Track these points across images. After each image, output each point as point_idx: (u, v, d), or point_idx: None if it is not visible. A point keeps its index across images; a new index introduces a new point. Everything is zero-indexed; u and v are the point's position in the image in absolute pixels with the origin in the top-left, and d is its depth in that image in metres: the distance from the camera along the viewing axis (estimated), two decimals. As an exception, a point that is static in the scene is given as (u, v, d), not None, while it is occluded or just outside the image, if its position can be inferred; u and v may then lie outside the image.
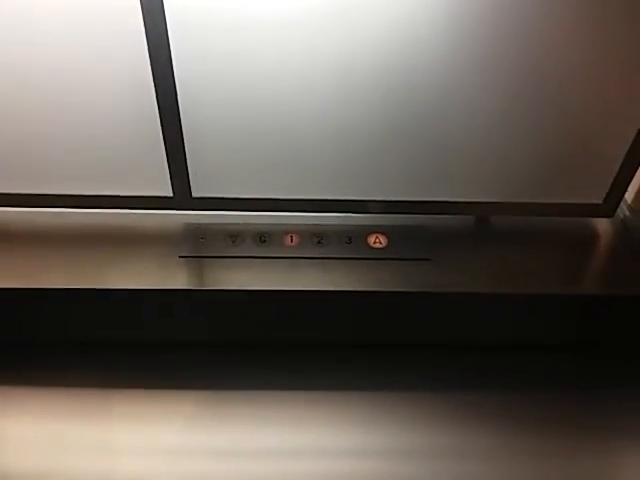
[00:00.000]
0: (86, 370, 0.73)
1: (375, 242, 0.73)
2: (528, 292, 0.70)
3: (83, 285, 0.68)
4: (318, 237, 0.73)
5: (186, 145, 0.65)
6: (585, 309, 0.73)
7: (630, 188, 0.71)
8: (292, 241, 0.73)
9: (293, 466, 0.65)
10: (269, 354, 0.74)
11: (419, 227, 0.74)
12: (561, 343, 0.76)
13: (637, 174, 0.69)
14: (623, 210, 0.77)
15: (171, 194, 0.70)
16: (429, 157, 0.67)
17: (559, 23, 0.57)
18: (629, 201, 0.77)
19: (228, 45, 0.58)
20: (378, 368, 0.74)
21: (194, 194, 0.70)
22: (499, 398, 0.72)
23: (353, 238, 0.73)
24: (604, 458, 0.68)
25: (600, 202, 0.71)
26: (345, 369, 0.74)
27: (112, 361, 0.74)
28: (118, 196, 0.70)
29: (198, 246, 0.72)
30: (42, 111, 0.63)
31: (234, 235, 0.73)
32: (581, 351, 0.76)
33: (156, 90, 0.61)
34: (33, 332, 0.75)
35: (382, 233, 0.73)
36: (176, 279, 0.68)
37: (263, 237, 0.73)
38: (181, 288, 0.68)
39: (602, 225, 0.77)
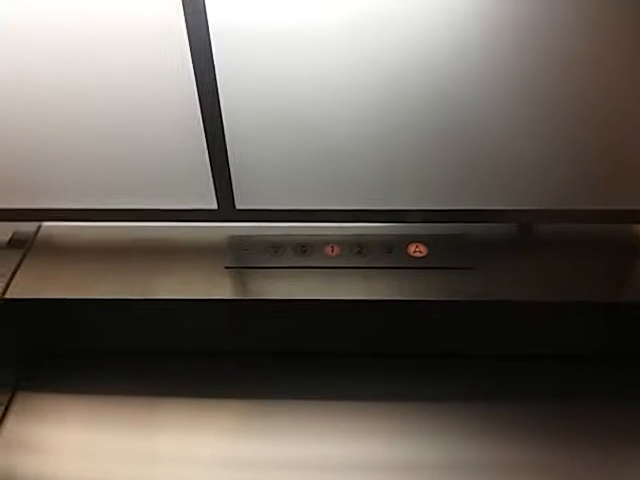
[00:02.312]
0: (132, 379, 0.75)
1: (415, 251, 0.73)
2: (573, 300, 0.69)
3: (131, 296, 0.70)
4: (358, 247, 0.74)
5: (230, 160, 0.68)
6: (632, 317, 0.72)
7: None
8: (333, 251, 0.74)
9: (334, 477, 0.66)
10: (312, 363, 0.75)
11: (459, 236, 0.74)
12: (607, 352, 0.75)
13: (683, 179, 0.68)
14: (669, 216, 0.75)
15: (216, 207, 0.72)
16: (469, 166, 0.67)
17: (597, 36, 0.57)
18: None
19: (269, 62, 0.60)
20: (424, 378, 0.74)
21: (238, 206, 0.72)
22: (545, 408, 0.71)
23: (393, 247, 0.73)
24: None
25: (644, 209, 0.70)
26: (388, 379, 0.74)
27: (158, 370, 0.76)
28: (165, 209, 0.72)
29: (242, 257, 0.73)
30: (91, 129, 0.66)
31: (276, 246, 0.74)
32: (629, 362, 0.75)
33: (201, 107, 0.63)
34: (81, 342, 0.77)
35: (422, 242, 0.74)
36: (223, 289, 0.70)
37: (304, 247, 0.74)
38: (227, 298, 0.69)
39: (647, 231, 0.75)
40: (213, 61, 0.60)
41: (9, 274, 0.72)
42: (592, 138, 0.65)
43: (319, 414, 0.71)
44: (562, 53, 0.58)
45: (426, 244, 0.73)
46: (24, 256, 0.74)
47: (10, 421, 0.71)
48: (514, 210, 0.71)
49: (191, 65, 0.60)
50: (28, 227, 0.77)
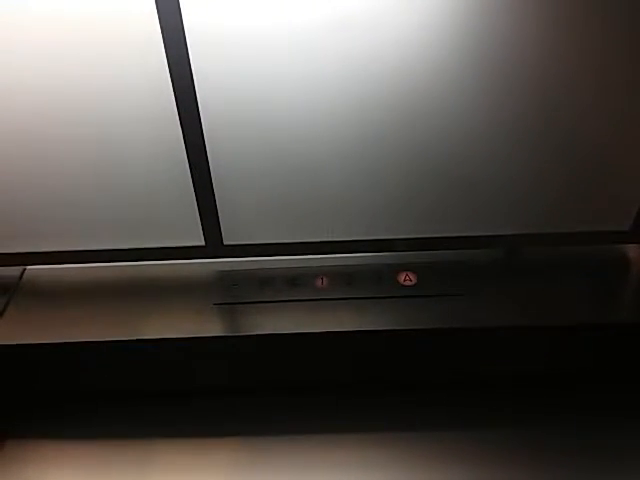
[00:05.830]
0: (124, 421, 0.74)
1: (405, 280, 0.73)
2: (564, 323, 0.69)
3: (121, 337, 0.69)
4: (348, 278, 0.74)
5: (216, 195, 0.67)
6: (625, 339, 0.72)
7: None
8: (323, 283, 0.73)
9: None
10: (307, 397, 0.75)
11: (448, 263, 0.75)
12: (601, 374, 0.75)
13: (665, 199, 0.69)
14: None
15: (203, 243, 0.71)
16: (456, 193, 0.68)
17: (576, 59, 0.58)
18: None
19: (254, 92, 0.60)
20: (414, 408, 0.74)
21: (225, 242, 0.71)
22: (540, 433, 0.71)
23: (383, 277, 0.73)
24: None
25: (628, 229, 0.71)
26: (382, 409, 0.74)
27: (151, 411, 0.75)
28: (152, 248, 0.71)
29: (231, 293, 0.73)
30: (74, 170, 0.65)
31: (266, 280, 0.74)
32: (622, 383, 0.75)
33: (185, 143, 0.63)
34: (70, 386, 0.76)
35: (412, 271, 0.74)
36: (212, 326, 0.69)
37: (294, 280, 0.74)
38: (218, 335, 0.69)
39: (633, 251, 0.76)
40: (196, 96, 0.60)
41: (-6, 320, 0.70)
42: (574, 161, 0.66)
43: (316, 449, 0.70)
44: (542, 76, 0.59)
45: (416, 272, 0.74)
46: (9, 301, 0.73)
47: (0, 470, 0.69)
48: (501, 235, 0.71)
49: (174, 101, 0.60)
50: (12, 271, 0.76)
